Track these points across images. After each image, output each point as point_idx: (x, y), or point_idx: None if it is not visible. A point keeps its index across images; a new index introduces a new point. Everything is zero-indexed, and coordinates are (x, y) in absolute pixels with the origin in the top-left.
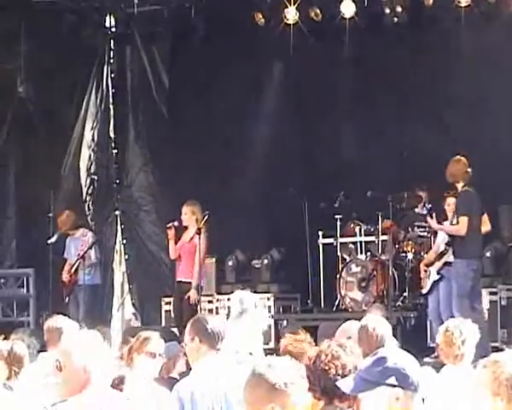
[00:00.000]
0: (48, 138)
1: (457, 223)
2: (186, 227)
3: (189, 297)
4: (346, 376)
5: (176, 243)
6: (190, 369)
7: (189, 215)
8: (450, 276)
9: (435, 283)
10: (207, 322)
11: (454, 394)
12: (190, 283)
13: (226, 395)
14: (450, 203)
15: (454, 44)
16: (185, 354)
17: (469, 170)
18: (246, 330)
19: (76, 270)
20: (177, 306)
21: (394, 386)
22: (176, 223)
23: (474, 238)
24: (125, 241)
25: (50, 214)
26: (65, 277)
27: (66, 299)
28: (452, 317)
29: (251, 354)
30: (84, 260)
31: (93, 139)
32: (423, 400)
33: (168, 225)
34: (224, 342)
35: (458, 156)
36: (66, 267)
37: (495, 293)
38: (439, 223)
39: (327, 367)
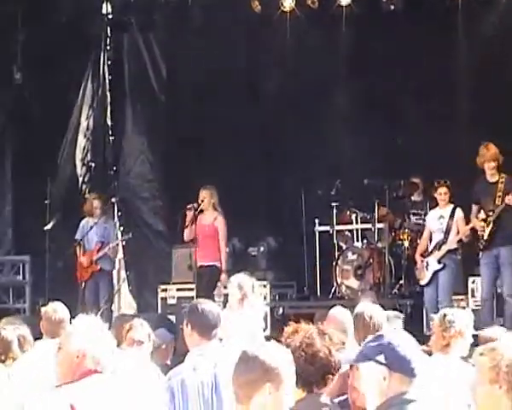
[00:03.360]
0: (44, 125)
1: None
2: (201, 211)
3: (212, 280)
4: (315, 363)
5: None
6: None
7: (208, 199)
8: (453, 264)
9: (435, 272)
10: (202, 309)
11: (442, 384)
12: (213, 266)
13: (217, 383)
14: (441, 193)
15: (451, 31)
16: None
17: None
18: (247, 316)
19: (99, 257)
20: (201, 290)
21: (381, 364)
22: (195, 205)
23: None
24: (122, 228)
25: (47, 201)
26: (84, 261)
27: (83, 284)
28: (451, 305)
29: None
30: (113, 247)
31: (90, 127)
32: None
33: (188, 207)
34: (224, 331)
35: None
36: (81, 251)
37: None
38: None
39: (300, 355)
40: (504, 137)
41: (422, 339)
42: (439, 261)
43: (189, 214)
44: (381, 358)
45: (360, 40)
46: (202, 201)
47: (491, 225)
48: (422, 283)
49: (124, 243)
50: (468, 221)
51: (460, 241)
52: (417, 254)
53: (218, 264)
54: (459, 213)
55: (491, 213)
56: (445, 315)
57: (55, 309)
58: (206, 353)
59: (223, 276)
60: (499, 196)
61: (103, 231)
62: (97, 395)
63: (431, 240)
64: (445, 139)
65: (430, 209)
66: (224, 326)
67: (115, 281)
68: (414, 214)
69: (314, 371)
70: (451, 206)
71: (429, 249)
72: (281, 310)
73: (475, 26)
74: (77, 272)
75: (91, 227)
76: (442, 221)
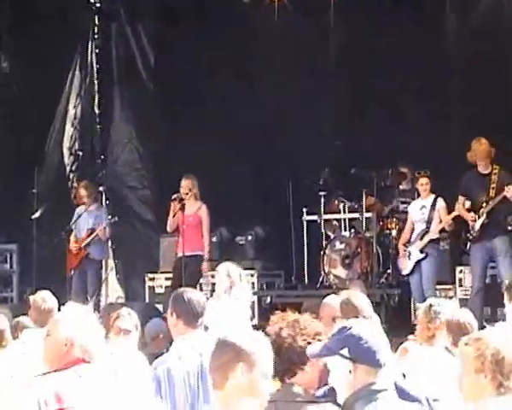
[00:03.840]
0: (32, 114)
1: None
2: (182, 200)
3: (197, 270)
4: (280, 353)
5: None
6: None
7: (191, 189)
8: (435, 253)
9: (418, 262)
10: (188, 298)
11: (427, 374)
12: (197, 256)
13: (203, 372)
14: (423, 183)
15: (439, 22)
16: None
17: None
18: (234, 304)
19: (88, 243)
20: (178, 279)
21: (346, 358)
22: (179, 195)
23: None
24: (110, 217)
25: (34, 190)
26: (73, 248)
27: (72, 272)
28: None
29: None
30: (100, 230)
31: (77, 115)
32: (404, 376)
33: (173, 197)
34: (210, 320)
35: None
36: (72, 239)
37: None
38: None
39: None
40: (493, 129)
41: (410, 328)
42: (421, 251)
43: (174, 204)
44: (345, 352)
45: (348, 28)
46: (188, 192)
47: (484, 217)
48: (404, 272)
49: (110, 226)
50: (450, 211)
51: (442, 231)
52: (400, 244)
53: (202, 253)
54: (441, 202)
55: (484, 205)
56: (430, 306)
57: (44, 298)
58: (191, 342)
59: (204, 264)
60: (493, 188)
61: (94, 219)
62: (84, 384)
63: (414, 231)
64: (433, 128)
65: (418, 198)
66: (210, 315)
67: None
68: (402, 203)
69: (279, 361)
70: (433, 196)
71: (412, 239)
72: (268, 299)
73: (465, 18)
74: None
75: (80, 215)
76: (424, 211)
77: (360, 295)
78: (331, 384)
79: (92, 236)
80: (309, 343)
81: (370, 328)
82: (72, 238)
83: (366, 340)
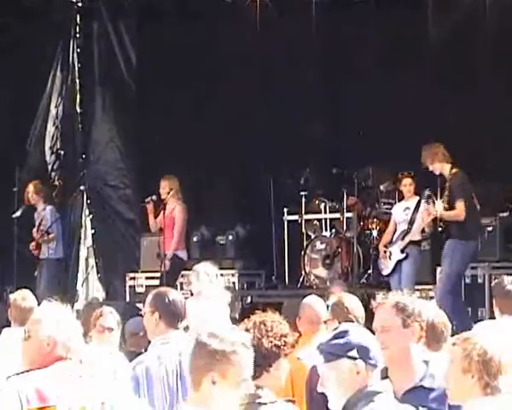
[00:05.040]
0: (13, 113)
1: (451, 207)
2: (163, 200)
3: (176, 270)
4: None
5: (155, 216)
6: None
7: (168, 189)
8: (416, 254)
9: (398, 262)
10: (169, 297)
11: None
12: (174, 255)
13: (182, 371)
14: (406, 184)
15: (424, 23)
16: None
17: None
18: (212, 304)
19: (39, 244)
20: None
21: (355, 359)
22: (154, 197)
23: (472, 219)
24: (91, 216)
25: (15, 189)
26: (32, 249)
27: (35, 273)
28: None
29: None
30: (48, 234)
31: (59, 114)
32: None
33: (147, 200)
34: (190, 319)
35: (428, 144)
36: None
37: None
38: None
39: None
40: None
41: None
42: (402, 251)
43: (149, 207)
44: (354, 353)
45: (330, 27)
46: (168, 192)
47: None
48: (385, 273)
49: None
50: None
51: (423, 231)
52: (381, 245)
53: (179, 253)
54: (424, 204)
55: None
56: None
57: (24, 297)
58: (170, 341)
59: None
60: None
61: (42, 219)
62: (65, 381)
63: (396, 232)
64: (416, 129)
65: (399, 199)
66: (189, 315)
67: (83, 268)
68: (384, 203)
69: None
70: (417, 198)
71: (393, 240)
72: (249, 299)
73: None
74: None
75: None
76: (407, 212)
77: (352, 298)
78: (322, 389)
79: (43, 238)
80: (275, 345)
81: (364, 330)
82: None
83: (367, 341)
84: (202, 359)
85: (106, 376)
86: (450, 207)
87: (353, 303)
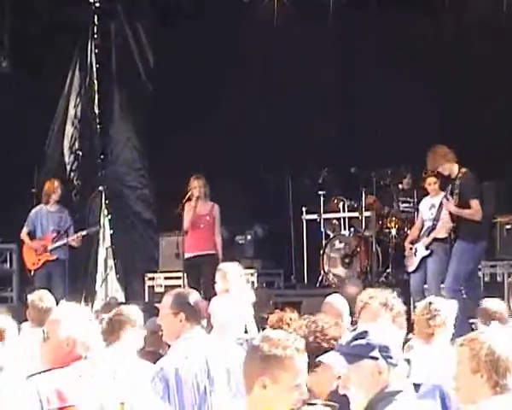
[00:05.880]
0: (32, 114)
1: (462, 207)
2: (190, 199)
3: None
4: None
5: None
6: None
7: (203, 188)
8: (441, 253)
9: (423, 259)
10: (191, 297)
11: (424, 372)
12: (213, 254)
13: (209, 371)
14: (430, 183)
15: (435, 19)
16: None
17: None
18: (238, 304)
19: (56, 247)
20: (194, 280)
21: (377, 359)
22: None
23: (482, 219)
24: (109, 216)
25: (34, 190)
26: (39, 247)
27: (33, 273)
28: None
29: (246, 329)
30: (68, 236)
31: (77, 115)
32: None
33: (188, 197)
34: (214, 319)
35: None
36: (39, 240)
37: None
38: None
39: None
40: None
41: (410, 327)
42: (426, 248)
43: (189, 204)
44: (376, 353)
45: (348, 27)
46: (203, 191)
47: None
48: (410, 269)
49: (87, 234)
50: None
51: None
52: (407, 241)
53: (216, 252)
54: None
55: None
56: (430, 303)
57: (41, 298)
58: (195, 341)
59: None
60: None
61: (59, 221)
62: (85, 380)
63: (422, 229)
64: (433, 128)
65: (418, 198)
66: (215, 314)
67: (101, 269)
68: (402, 202)
69: None
70: (442, 194)
71: (420, 236)
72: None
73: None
74: (23, 259)
75: (45, 215)
76: (433, 210)
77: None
78: (344, 391)
79: (62, 241)
80: (324, 347)
81: (382, 329)
82: (25, 236)
83: (387, 341)
84: (254, 363)
85: (125, 376)
86: (461, 206)
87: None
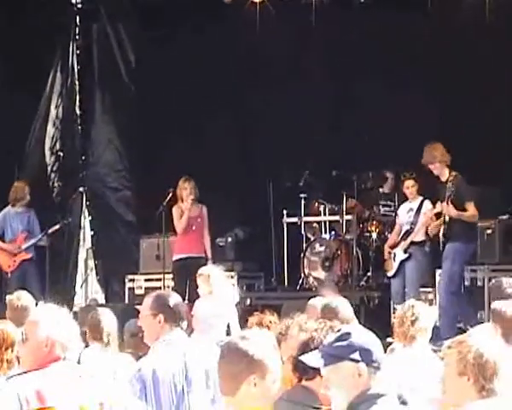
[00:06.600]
0: (13, 113)
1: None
2: (176, 200)
3: None
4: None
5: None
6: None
7: (194, 190)
8: (420, 256)
9: (401, 263)
10: (171, 299)
11: (403, 376)
12: (202, 258)
13: (187, 372)
14: (408, 186)
15: (423, 22)
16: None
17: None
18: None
19: (28, 246)
20: (183, 281)
21: (358, 361)
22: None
23: (473, 222)
24: (90, 217)
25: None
26: (13, 248)
27: (11, 275)
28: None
29: (228, 328)
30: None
31: (59, 115)
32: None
33: (190, 201)
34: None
35: (431, 143)
36: (13, 243)
37: None
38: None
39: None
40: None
41: (390, 331)
42: (405, 251)
43: (180, 206)
44: (357, 355)
45: (330, 30)
46: (194, 193)
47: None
48: (389, 274)
49: (52, 232)
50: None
51: (427, 233)
52: (386, 246)
53: (205, 255)
54: (427, 205)
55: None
56: (410, 307)
57: (19, 297)
58: (174, 342)
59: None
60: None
61: (27, 221)
62: (64, 381)
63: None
64: (415, 131)
65: (399, 201)
66: (197, 317)
67: (81, 270)
68: (383, 206)
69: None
70: (420, 198)
71: (397, 241)
72: (248, 301)
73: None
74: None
75: (13, 217)
76: (411, 214)
77: (341, 300)
78: (325, 391)
79: (35, 239)
80: None
81: (367, 332)
82: (14, 242)
83: (369, 343)
84: (240, 363)
85: (105, 376)
86: (457, 209)
87: (341, 305)
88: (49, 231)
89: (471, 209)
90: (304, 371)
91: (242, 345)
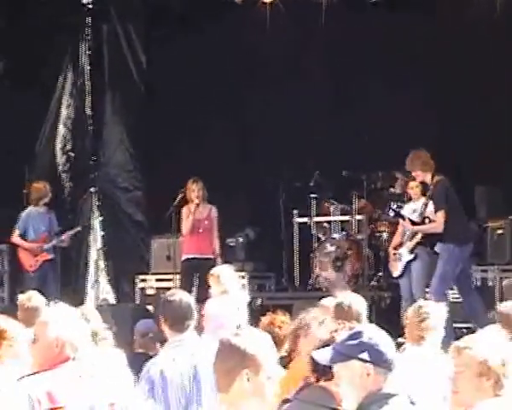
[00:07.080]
0: (24, 114)
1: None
2: (186, 201)
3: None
4: None
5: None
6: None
7: (202, 192)
8: (425, 255)
9: (408, 263)
10: (173, 301)
11: (413, 375)
12: (211, 259)
13: (196, 373)
14: (413, 187)
15: (431, 24)
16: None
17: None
18: (232, 306)
19: (50, 247)
20: (189, 281)
21: (366, 361)
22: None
23: (457, 224)
24: (101, 218)
25: (24, 190)
26: (35, 248)
27: (26, 274)
28: (425, 297)
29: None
30: (60, 235)
31: (70, 116)
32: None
33: (196, 202)
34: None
35: (414, 150)
36: (35, 242)
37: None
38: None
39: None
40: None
41: (401, 331)
42: (410, 252)
43: (188, 207)
44: (365, 355)
45: (340, 32)
46: (202, 195)
47: None
48: (395, 275)
49: (74, 234)
50: None
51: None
52: (391, 247)
53: (214, 256)
54: (430, 206)
55: None
56: (420, 307)
57: (29, 297)
58: (183, 343)
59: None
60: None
61: (49, 221)
62: (74, 381)
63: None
64: (414, 131)
65: (408, 201)
66: (208, 316)
67: (92, 271)
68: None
69: None
70: (423, 199)
71: (403, 241)
72: (259, 301)
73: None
74: (21, 261)
75: (36, 217)
76: (415, 214)
77: (355, 298)
78: (337, 388)
79: (53, 242)
80: None
81: (380, 332)
82: (18, 239)
83: (381, 343)
84: (233, 359)
85: (116, 377)
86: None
87: (353, 303)
88: (71, 232)
89: (437, 218)
90: (323, 373)
91: (235, 341)
